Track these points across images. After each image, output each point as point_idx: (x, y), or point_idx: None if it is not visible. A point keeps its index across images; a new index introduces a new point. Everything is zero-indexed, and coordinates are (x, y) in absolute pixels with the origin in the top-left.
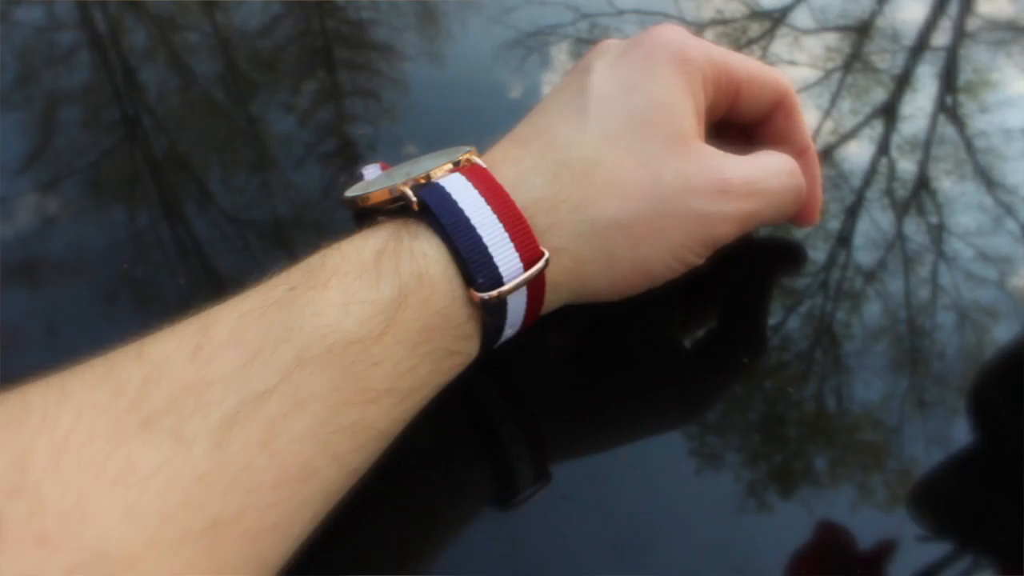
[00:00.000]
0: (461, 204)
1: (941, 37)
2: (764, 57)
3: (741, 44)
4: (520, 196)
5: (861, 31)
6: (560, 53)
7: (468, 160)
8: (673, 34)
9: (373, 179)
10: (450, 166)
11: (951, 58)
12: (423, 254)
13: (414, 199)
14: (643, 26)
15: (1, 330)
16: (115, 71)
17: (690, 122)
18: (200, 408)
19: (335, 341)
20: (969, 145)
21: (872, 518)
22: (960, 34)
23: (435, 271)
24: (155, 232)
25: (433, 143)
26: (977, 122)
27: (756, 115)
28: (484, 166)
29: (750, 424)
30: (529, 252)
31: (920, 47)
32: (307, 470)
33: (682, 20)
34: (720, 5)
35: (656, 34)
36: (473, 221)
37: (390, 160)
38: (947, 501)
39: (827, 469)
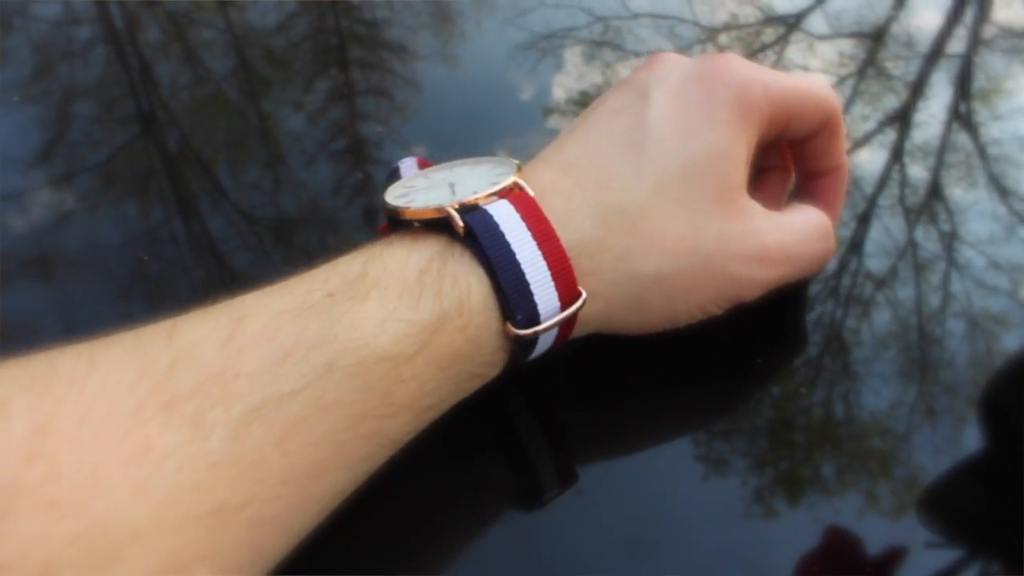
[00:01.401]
0: (508, 236)
1: (956, 44)
2: (778, 63)
3: (755, 49)
4: (567, 235)
5: (876, 37)
6: (574, 56)
7: (516, 185)
8: (734, 70)
9: (412, 182)
10: (497, 191)
11: (965, 65)
12: (466, 283)
13: (460, 224)
14: (657, 30)
15: (12, 324)
16: (131, 67)
17: (741, 174)
18: (224, 398)
19: (367, 355)
20: (982, 153)
21: (879, 525)
22: (975, 42)
23: (476, 301)
24: (168, 227)
25: (445, 144)
26: (991, 130)
27: (800, 137)
28: (532, 195)
29: (758, 428)
30: (569, 293)
31: (935, 54)
32: (317, 470)
33: (696, 24)
34: (735, 9)
35: (717, 69)
36: (518, 256)
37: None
38: (956, 507)
39: (835, 475)
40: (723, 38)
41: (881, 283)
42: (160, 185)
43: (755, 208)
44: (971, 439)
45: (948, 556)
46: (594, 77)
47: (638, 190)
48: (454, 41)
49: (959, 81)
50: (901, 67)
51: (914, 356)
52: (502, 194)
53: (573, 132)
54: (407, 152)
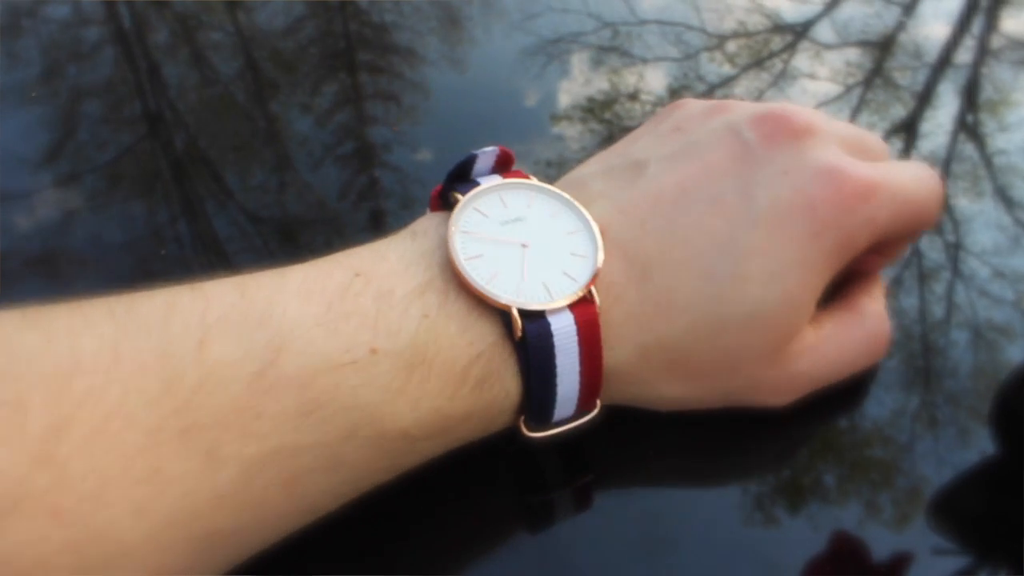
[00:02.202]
0: (557, 354)
1: (963, 55)
2: (785, 71)
3: (763, 57)
4: (609, 359)
5: (883, 47)
6: (581, 61)
7: (588, 295)
8: (852, 207)
9: (483, 233)
10: (566, 304)
11: (973, 76)
12: (504, 388)
13: (519, 331)
14: (664, 37)
15: None
16: (139, 68)
17: (806, 318)
18: (242, 436)
19: (390, 429)
20: (989, 163)
21: (879, 535)
22: (983, 52)
23: (506, 406)
24: (173, 228)
25: (453, 148)
26: (997, 141)
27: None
28: (597, 311)
29: (761, 437)
30: (586, 406)
31: (942, 64)
32: (313, 509)
33: (704, 31)
34: (742, 17)
35: (837, 200)
36: (558, 377)
37: (412, 163)
38: (963, 514)
39: (837, 484)
40: (731, 45)
41: (886, 292)
42: (167, 186)
43: (802, 346)
44: (974, 450)
45: (955, 562)
46: (601, 83)
47: (693, 336)
48: (462, 45)
49: (966, 91)
50: (908, 77)
51: (918, 365)
52: (570, 305)
53: (663, 204)
54: (413, 154)
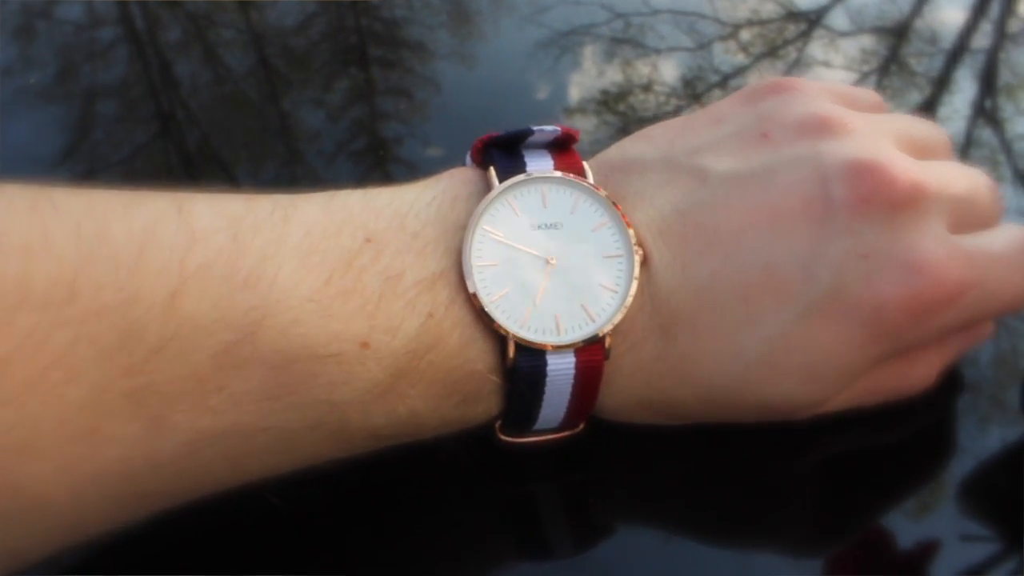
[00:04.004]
0: (547, 392)
1: (980, 40)
2: (800, 60)
3: (777, 46)
4: (605, 402)
5: (899, 33)
6: (594, 53)
7: (600, 343)
8: (914, 272)
9: (513, 229)
10: (575, 343)
11: (990, 61)
12: (487, 408)
13: (510, 360)
14: (677, 27)
15: None
16: (151, 66)
17: (827, 406)
18: (197, 408)
19: (359, 429)
20: (1008, 149)
21: (900, 523)
22: (1000, 37)
23: (484, 418)
24: None
25: (465, 142)
26: (1016, 126)
27: None
28: (605, 358)
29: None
30: (569, 428)
31: (959, 50)
32: (257, 480)
33: (717, 20)
34: (756, 6)
35: (888, 265)
36: (542, 409)
37: (424, 158)
38: (983, 503)
39: (856, 474)
40: (744, 34)
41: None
42: (180, 183)
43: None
44: (994, 439)
45: (979, 549)
46: (614, 75)
47: (703, 407)
48: (473, 40)
49: (984, 77)
50: (925, 63)
51: None
52: (578, 350)
53: (712, 250)
54: (425, 149)
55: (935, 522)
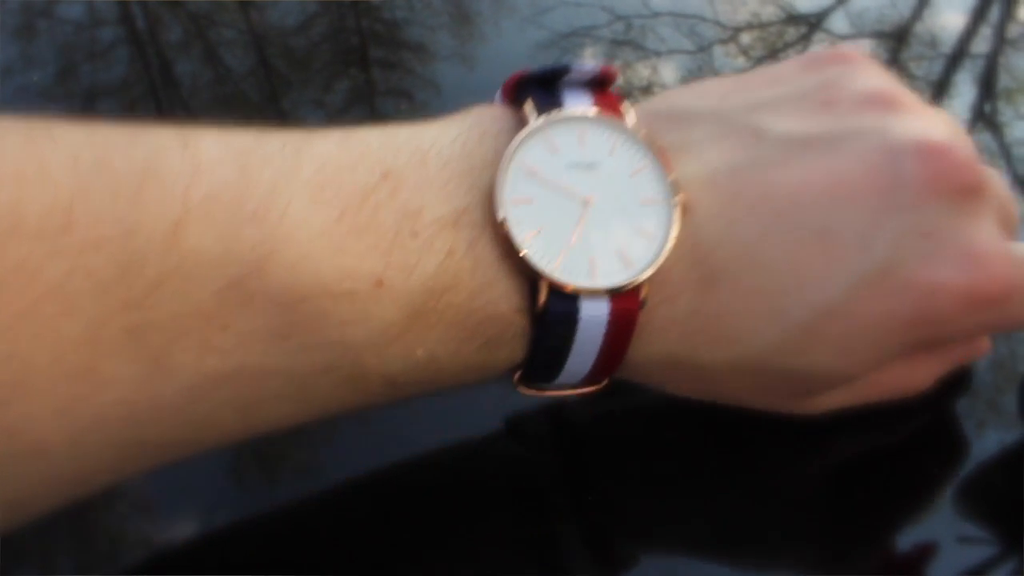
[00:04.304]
0: (576, 341)
1: (980, 44)
2: None
3: (777, 48)
4: (632, 355)
5: (898, 37)
6: (595, 55)
7: (635, 291)
8: (970, 261)
9: (546, 169)
10: (613, 287)
11: (990, 65)
12: (510, 354)
13: (542, 302)
14: (678, 29)
15: None
16: (152, 67)
17: (850, 382)
18: (200, 347)
19: (375, 374)
20: (1007, 153)
21: (899, 524)
22: (1000, 41)
23: (505, 365)
24: None
25: None
26: (1015, 130)
27: None
28: (639, 307)
29: (771, 426)
30: (593, 384)
31: (958, 54)
32: (269, 431)
33: (718, 23)
34: (756, 8)
35: (948, 247)
36: (569, 360)
37: None
38: (980, 505)
39: (854, 476)
40: (745, 37)
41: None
42: None
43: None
44: (991, 442)
45: (975, 552)
46: None
47: (732, 369)
48: (473, 41)
49: (983, 81)
50: (924, 67)
51: None
52: (613, 297)
53: (764, 208)
54: None
55: (935, 523)
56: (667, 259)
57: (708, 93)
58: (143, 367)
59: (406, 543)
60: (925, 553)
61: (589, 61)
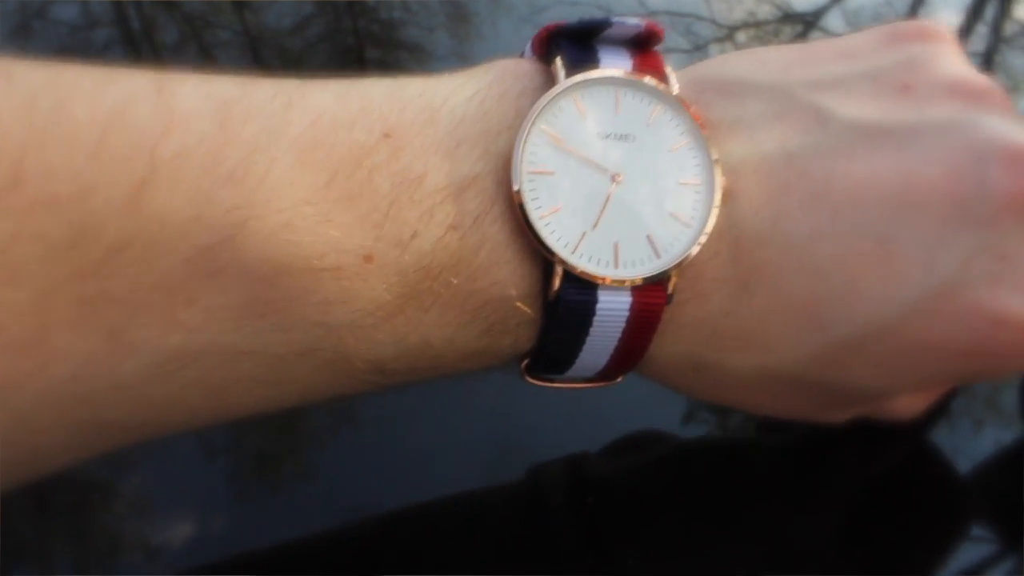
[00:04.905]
0: (591, 335)
1: (976, 42)
2: None
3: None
4: (651, 353)
5: None
6: None
7: (665, 280)
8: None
9: (575, 135)
10: (636, 280)
11: (986, 63)
12: (514, 341)
13: (555, 289)
14: (674, 28)
15: None
16: (147, 68)
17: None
18: (164, 323)
19: (361, 359)
20: None
21: (895, 523)
22: (996, 39)
23: (509, 353)
24: None
25: None
26: None
27: None
28: (665, 303)
29: (769, 427)
30: (605, 380)
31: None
32: (241, 415)
33: (714, 22)
34: (752, 7)
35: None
36: (581, 355)
37: None
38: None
39: (851, 476)
40: (741, 36)
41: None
42: None
43: None
44: (988, 441)
45: (981, 550)
46: None
47: (759, 379)
48: (470, 41)
49: None
50: None
51: None
52: (637, 289)
53: (820, 206)
54: None
55: (934, 523)
56: (702, 251)
57: (769, 62)
58: (98, 342)
59: (405, 550)
60: (926, 553)
61: (632, 19)
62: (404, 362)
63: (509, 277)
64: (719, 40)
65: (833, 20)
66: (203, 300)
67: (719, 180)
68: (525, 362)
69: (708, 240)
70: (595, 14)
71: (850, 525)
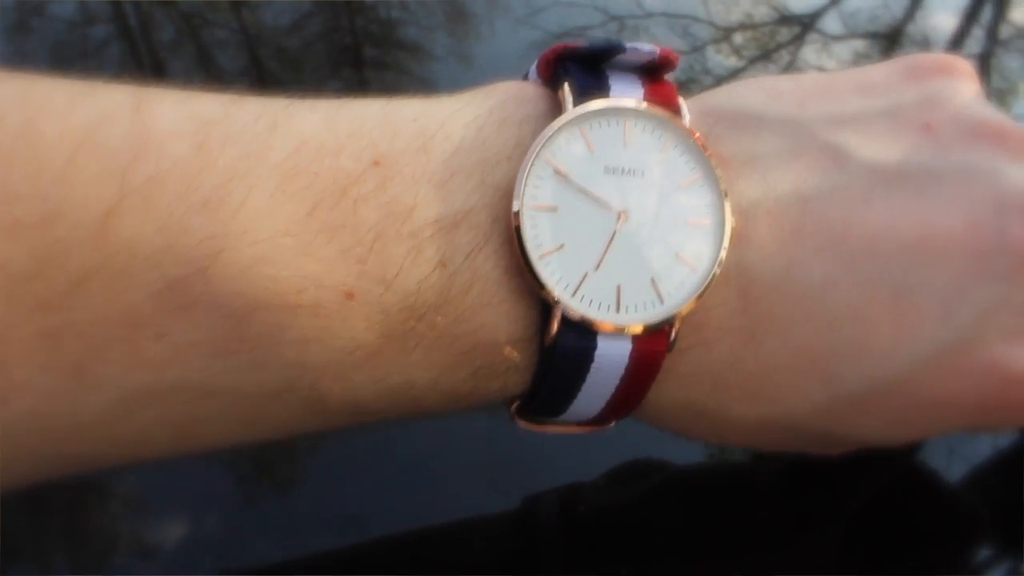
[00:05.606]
0: (588, 381)
1: (972, 44)
2: (793, 63)
3: (770, 49)
4: (650, 401)
5: (891, 37)
6: None
7: (668, 327)
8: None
9: (586, 171)
10: (633, 325)
11: (982, 65)
12: (504, 385)
13: (552, 333)
14: (671, 29)
15: None
16: (144, 65)
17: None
18: (130, 358)
19: (338, 400)
20: None
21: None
22: (992, 41)
23: (497, 396)
24: None
25: None
26: None
27: None
28: (666, 350)
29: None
30: (598, 425)
31: (951, 54)
32: (211, 450)
33: (711, 23)
34: (749, 9)
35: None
36: (576, 401)
37: None
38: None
39: (845, 476)
40: (737, 37)
41: None
42: None
43: None
44: (986, 441)
45: (979, 552)
46: None
47: (761, 428)
48: (468, 40)
49: None
50: None
51: None
52: (636, 337)
53: (835, 252)
54: None
55: (934, 523)
56: (708, 298)
57: (784, 95)
58: (60, 377)
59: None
60: (926, 552)
61: (646, 45)
62: (384, 403)
63: (501, 319)
64: (716, 41)
65: (830, 21)
66: (172, 335)
67: (729, 222)
68: (515, 404)
69: (715, 286)
70: (589, 19)
71: (849, 530)
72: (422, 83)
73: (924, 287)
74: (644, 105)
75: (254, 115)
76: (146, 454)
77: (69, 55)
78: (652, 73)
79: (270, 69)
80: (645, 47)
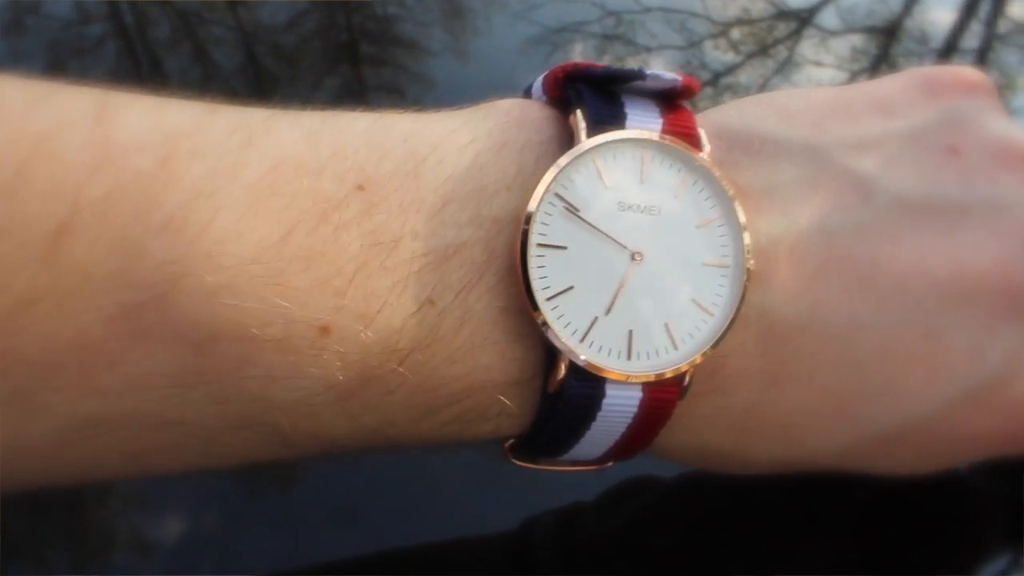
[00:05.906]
0: (593, 427)
1: (970, 40)
2: (790, 59)
3: (767, 44)
4: (660, 442)
5: (889, 33)
6: (585, 50)
7: (681, 374)
8: None
9: (603, 212)
10: (644, 375)
11: (980, 61)
12: (495, 428)
13: (558, 380)
14: (668, 25)
15: None
16: (140, 63)
17: None
18: (80, 387)
19: (307, 436)
20: None
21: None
22: (990, 37)
23: (489, 438)
24: None
25: None
26: None
27: None
28: (678, 398)
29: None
30: (600, 465)
31: (948, 49)
32: (164, 475)
33: (708, 19)
34: (746, 4)
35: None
36: (579, 445)
37: None
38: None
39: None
40: (735, 33)
41: None
42: None
43: None
44: None
45: (979, 552)
46: None
47: (773, 466)
48: (464, 37)
49: None
50: (915, 63)
51: None
52: (647, 386)
53: (862, 294)
54: None
55: (934, 523)
56: (726, 343)
57: (796, 115)
58: (3, 403)
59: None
60: (925, 552)
61: (667, 73)
62: (358, 440)
63: (495, 361)
64: (713, 36)
65: (827, 17)
66: (126, 364)
67: (749, 263)
68: (510, 442)
69: (733, 331)
70: (585, 14)
71: (851, 531)
72: (419, 79)
73: (955, 327)
74: (663, 137)
75: (228, 128)
76: (100, 476)
77: (64, 54)
78: (670, 98)
79: (266, 67)
80: (667, 75)
